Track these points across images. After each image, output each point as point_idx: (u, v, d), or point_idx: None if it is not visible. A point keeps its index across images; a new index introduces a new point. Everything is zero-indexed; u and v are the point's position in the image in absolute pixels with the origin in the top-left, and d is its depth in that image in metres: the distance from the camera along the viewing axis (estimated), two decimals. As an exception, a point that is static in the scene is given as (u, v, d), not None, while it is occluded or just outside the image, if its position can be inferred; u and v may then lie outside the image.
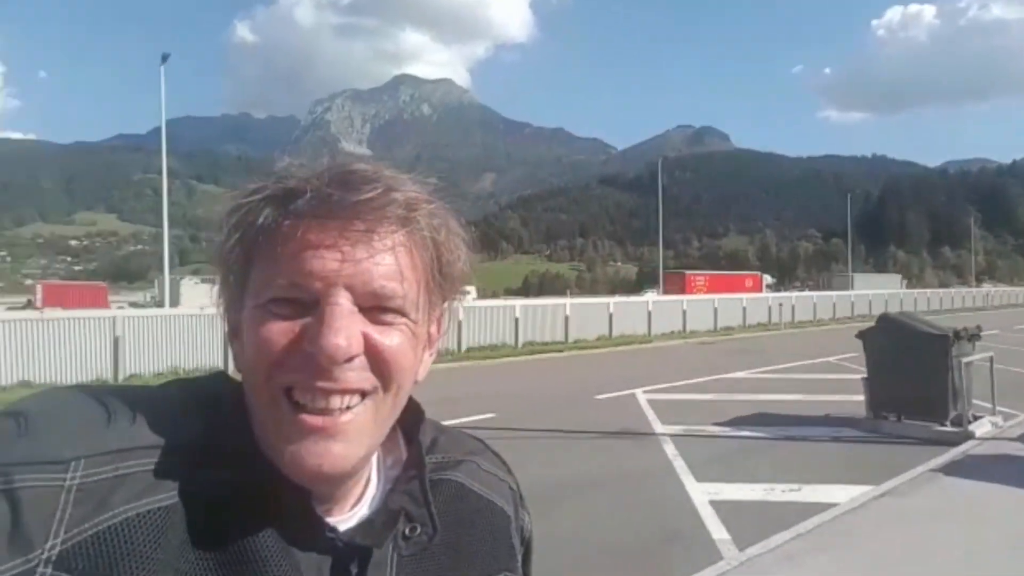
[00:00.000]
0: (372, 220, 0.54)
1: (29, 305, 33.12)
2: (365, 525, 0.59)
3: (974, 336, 7.87)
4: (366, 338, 0.54)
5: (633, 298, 27.08)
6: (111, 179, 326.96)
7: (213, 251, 0.59)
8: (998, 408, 8.22)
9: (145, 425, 0.54)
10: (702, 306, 25.48)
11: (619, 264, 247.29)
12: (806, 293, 35.08)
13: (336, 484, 0.57)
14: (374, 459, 0.63)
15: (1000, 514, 5.15)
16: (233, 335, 0.59)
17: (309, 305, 0.53)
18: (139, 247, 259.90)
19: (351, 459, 0.54)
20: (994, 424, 7.89)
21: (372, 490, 0.62)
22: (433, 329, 0.63)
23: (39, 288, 41.29)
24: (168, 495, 0.52)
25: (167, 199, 25.11)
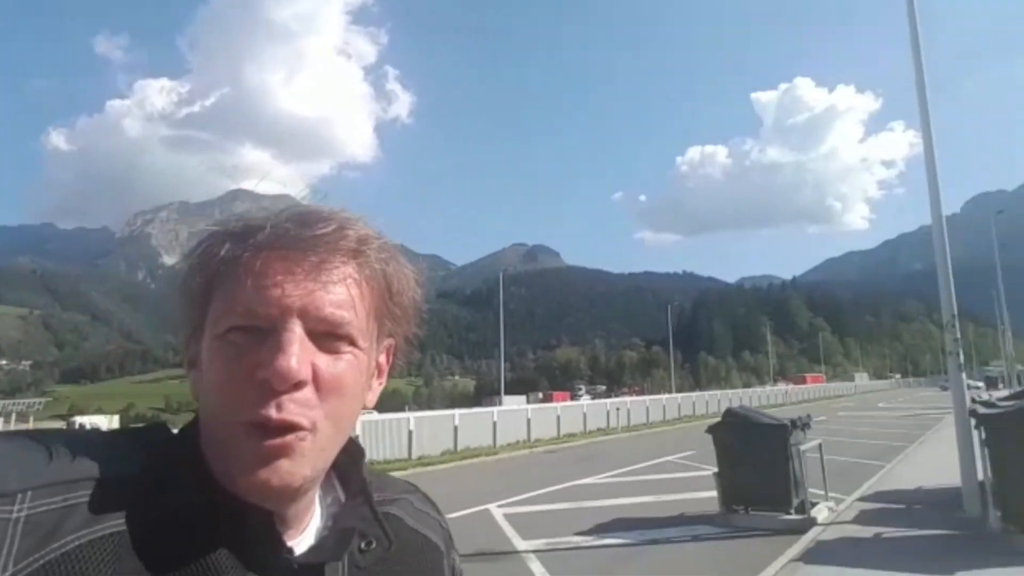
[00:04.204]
0: (325, 253, 0.59)
1: None
2: (318, 545, 0.62)
3: (806, 425, 8.35)
4: (315, 367, 0.57)
5: (478, 409, 26.56)
6: None
7: (176, 284, 0.61)
8: (829, 494, 8.72)
9: (89, 458, 0.55)
10: (546, 414, 25.50)
11: (457, 378, 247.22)
12: (641, 398, 36.79)
13: (286, 500, 0.59)
14: (316, 497, 0.66)
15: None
16: (191, 365, 0.62)
17: (266, 333, 0.56)
18: None
19: (298, 476, 0.57)
20: (830, 509, 8.29)
21: (316, 521, 0.66)
22: (382, 359, 0.67)
23: None
24: (119, 522, 0.53)
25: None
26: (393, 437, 18.94)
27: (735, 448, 8.11)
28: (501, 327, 46.00)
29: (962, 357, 8.52)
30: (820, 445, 8.83)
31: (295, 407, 0.56)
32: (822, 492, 8.60)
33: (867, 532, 7.20)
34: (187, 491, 0.56)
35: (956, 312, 8.58)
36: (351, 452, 0.67)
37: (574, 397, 73.56)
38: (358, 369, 0.60)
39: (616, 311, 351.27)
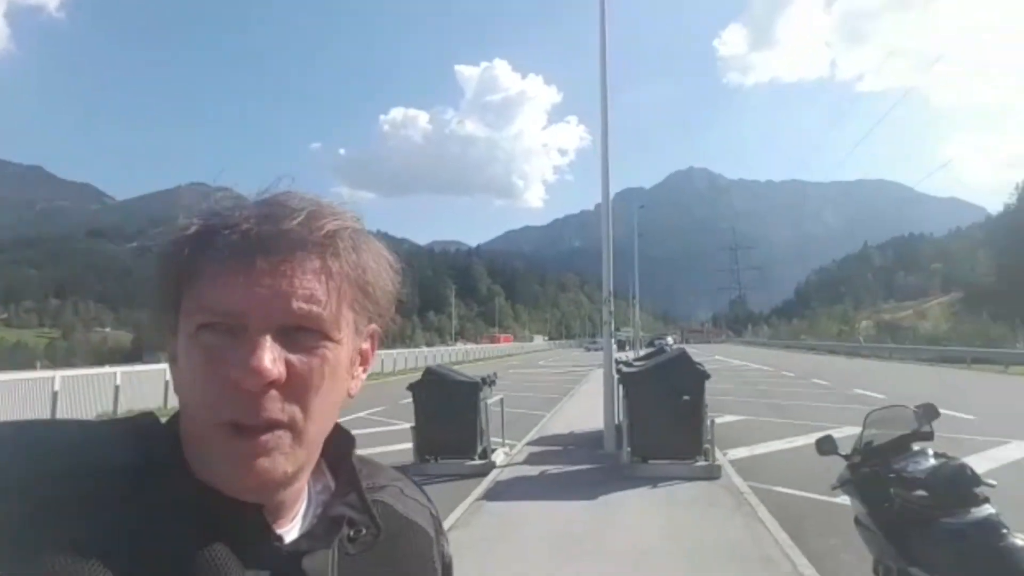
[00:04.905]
0: (293, 248, 0.58)
1: None
2: (308, 534, 0.63)
3: (492, 383, 9.42)
4: (288, 364, 0.57)
5: (148, 367, 23.53)
6: None
7: (147, 287, 0.62)
8: (506, 440, 10.05)
9: (83, 450, 0.57)
10: (228, 371, 23.92)
11: (108, 330, 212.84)
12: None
13: (269, 493, 0.60)
14: (306, 486, 0.66)
15: (537, 521, 6.26)
16: (172, 362, 0.62)
17: (236, 332, 0.57)
18: None
19: (277, 472, 0.58)
20: (506, 453, 9.57)
21: (306, 509, 0.66)
22: (366, 346, 0.68)
23: None
24: (113, 514, 0.53)
25: None
26: (30, 399, 15.84)
27: (432, 403, 8.79)
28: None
29: (613, 326, 10.48)
30: (502, 400, 10.08)
31: (270, 405, 0.56)
32: (500, 440, 9.86)
33: (535, 471, 8.55)
34: (179, 483, 0.57)
35: (612, 289, 10.50)
36: (340, 441, 0.69)
37: (257, 354, 69.36)
38: (334, 361, 0.60)
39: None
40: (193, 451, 0.59)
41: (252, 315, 0.56)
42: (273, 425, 0.57)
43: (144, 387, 19.53)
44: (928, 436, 3.40)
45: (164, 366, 22.47)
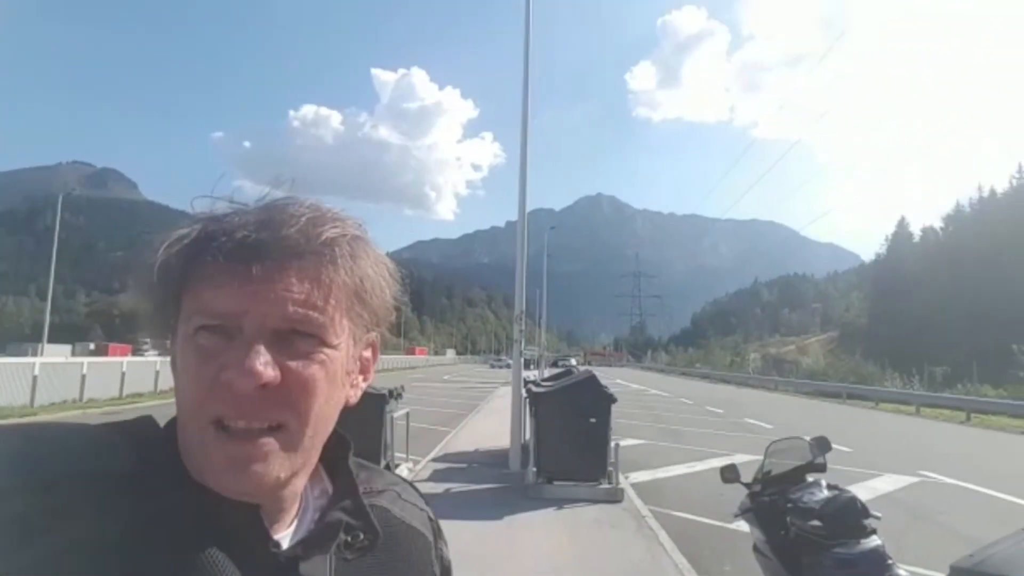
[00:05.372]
0: (288, 255, 0.58)
1: None
2: (305, 539, 0.63)
3: (399, 396, 9.23)
4: (283, 368, 0.57)
5: (13, 359, 21.38)
6: None
7: (144, 291, 0.61)
8: (410, 456, 9.85)
9: (80, 454, 0.56)
10: (108, 370, 22.12)
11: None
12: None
13: (262, 497, 0.60)
14: (304, 490, 0.66)
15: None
16: (172, 366, 0.62)
17: (232, 334, 0.57)
18: None
19: (269, 477, 0.58)
20: (410, 469, 9.37)
21: (304, 514, 0.66)
22: (367, 354, 0.68)
23: None
24: (110, 520, 0.53)
25: None
26: None
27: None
28: (53, 260, 37.84)
29: (523, 344, 10.55)
30: (408, 414, 9.89)
31: (262, 409, 0.56)
32: (403, 455, 9.66)
33: (439, 488, 8.40)
34: (175, 487, 0.57)
35: (524, 308, 10.59)
36: (338, 446, 0.68)
37: (138, 352, 64.81)
38: (331, 367, 0.61)
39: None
40: (189, 455, 0.59)
41: (247, 318, 0.57)
42: (263, 429, 0.57)
43: (5, 380, 17.73)
44: (822, 468, 3.60)
45: (32, 359, 20.65)
